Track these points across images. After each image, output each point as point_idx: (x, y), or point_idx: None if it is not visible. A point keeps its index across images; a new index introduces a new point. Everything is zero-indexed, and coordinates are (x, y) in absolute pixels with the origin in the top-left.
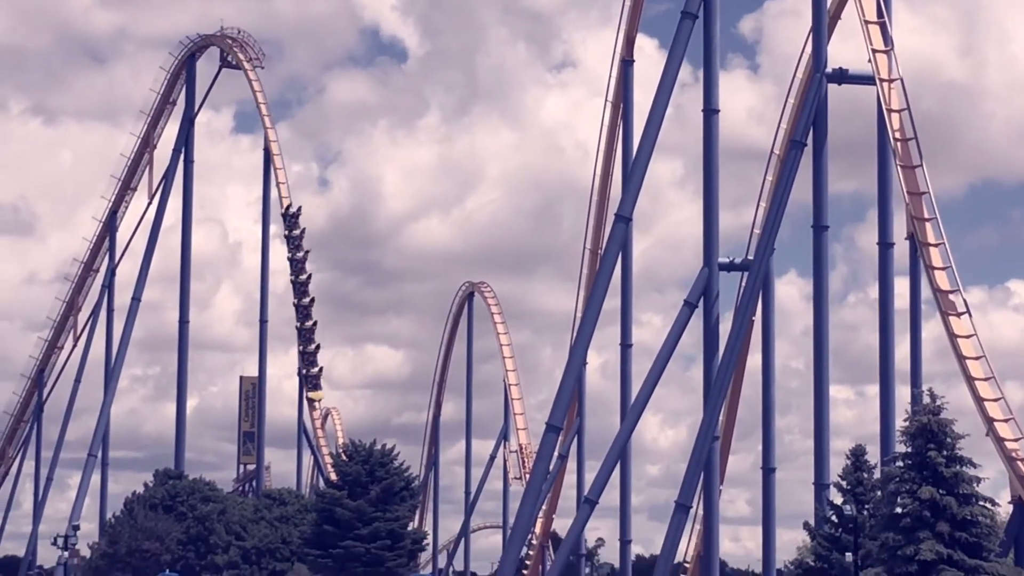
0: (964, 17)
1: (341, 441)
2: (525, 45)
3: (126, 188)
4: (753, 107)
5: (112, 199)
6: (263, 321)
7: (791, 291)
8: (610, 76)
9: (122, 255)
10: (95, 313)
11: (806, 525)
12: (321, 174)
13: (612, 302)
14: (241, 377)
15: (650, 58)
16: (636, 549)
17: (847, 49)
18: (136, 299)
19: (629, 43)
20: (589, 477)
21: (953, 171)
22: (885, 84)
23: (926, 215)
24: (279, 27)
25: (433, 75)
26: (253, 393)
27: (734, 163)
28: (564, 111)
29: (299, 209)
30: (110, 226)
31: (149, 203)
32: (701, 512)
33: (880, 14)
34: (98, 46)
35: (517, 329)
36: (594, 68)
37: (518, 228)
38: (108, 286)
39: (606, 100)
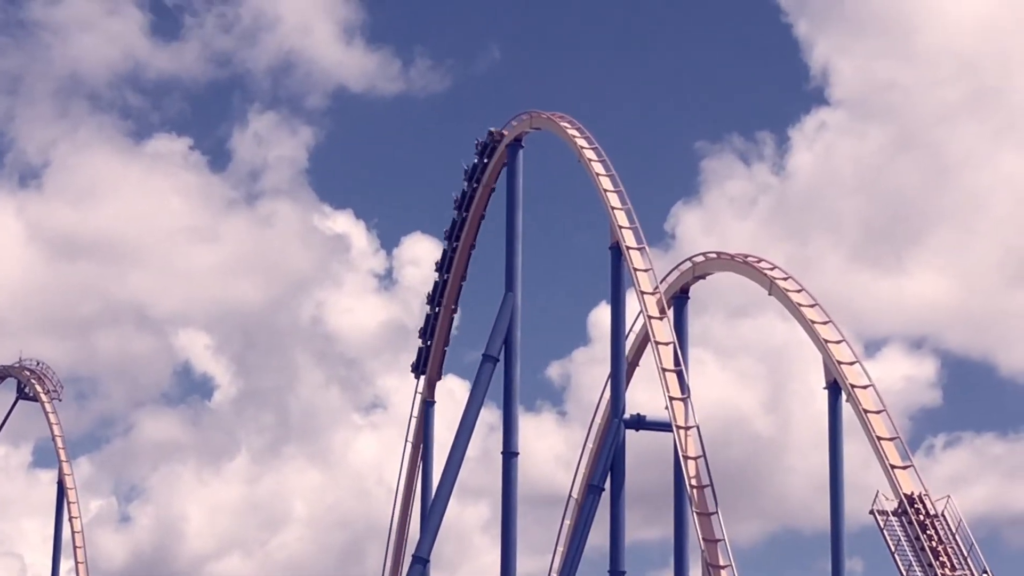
0: (771, 373)
1: None
2: (338, 388)
3: None
4: (560, 452)
5: None
6: None
7: None
8: (411, 417)
9: None
10: None
11: None
12: (123, 510)
13: None
14: None
15: (460, 401)
16: None
17: (652, 397)
18: None
19: (431, 385)
20: None
21: (756, 519)
22: (681, 431)
23: (722, 562)
24: (96, 365)
25: (244, 415)
26: None
27: (540, 508)
28: (372, 452)
29: None
30: None
31: None
32: None
33: (677, 363)
34: None
35: None
36: (403, 410)
37: (320, 568)
38: None
39: (407, 440)
